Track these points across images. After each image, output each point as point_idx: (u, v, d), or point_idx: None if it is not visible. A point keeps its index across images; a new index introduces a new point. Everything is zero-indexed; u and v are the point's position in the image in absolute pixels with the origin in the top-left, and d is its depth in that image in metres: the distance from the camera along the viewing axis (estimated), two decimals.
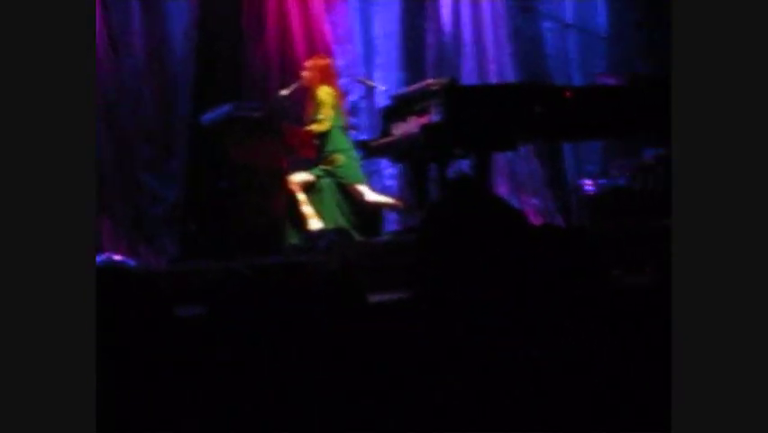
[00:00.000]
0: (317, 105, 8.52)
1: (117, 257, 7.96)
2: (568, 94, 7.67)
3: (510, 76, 10.05)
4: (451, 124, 7.20)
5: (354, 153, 8.62)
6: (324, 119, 8.46)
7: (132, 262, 8.05)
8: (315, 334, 4.32)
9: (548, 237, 2.67)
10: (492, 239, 2.37)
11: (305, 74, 8.74)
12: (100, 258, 7.83)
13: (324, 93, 8.52)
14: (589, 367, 2.48)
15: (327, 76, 8.70)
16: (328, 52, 9.44)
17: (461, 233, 2.38)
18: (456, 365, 2.46)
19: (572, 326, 2.53)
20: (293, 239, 8.33)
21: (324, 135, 8.52)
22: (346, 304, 4.43)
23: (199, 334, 5.12)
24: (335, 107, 8.56)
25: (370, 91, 9.58)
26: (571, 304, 2.58)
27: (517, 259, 2.41)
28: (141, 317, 2.62)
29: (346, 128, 8.77)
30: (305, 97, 8.86)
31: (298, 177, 8.49)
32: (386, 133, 8.13)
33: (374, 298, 5.93)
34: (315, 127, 8.49)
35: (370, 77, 9.68)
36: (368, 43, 10.04)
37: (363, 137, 9.02)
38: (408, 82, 9.69)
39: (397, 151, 8.14)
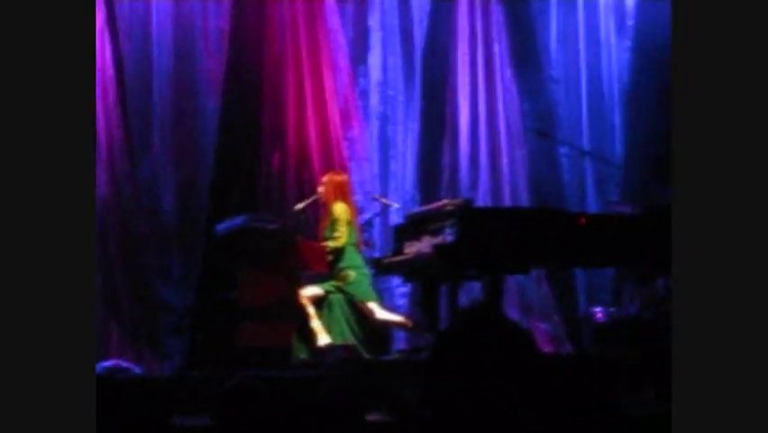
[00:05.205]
0: (333, 221, 8.54)
1: (125, 364, 7.90)
2: (582, 221, 7.66)
3: (524, 199, 10.08)
4: (465, 245, 7.19)
5: (366, 270, 8.62)
6: (340, 236, 8.48)
7: (138, 370, 7.99)
8: None
9: (557, 366, 2.67)
10: (502, 365, 2.36)
11: (320, 189, 8.78)
12: (108, 363, 7.80)
13: (340, 209, 8.55)
14: None
15: (342, 192, 8.72)
16: (344, 168, 9.47)
17: (471, 359, 2.36)
18: None
19: None
20: (301, 353, 8.30)
21: (336, 251, 8.53)
22: (344, 422, 4.44)
23: None
24: (350, 224, 8.58)
25: (384, 209, 9.60)
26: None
27: (527, 385, 2.39)
28: (138, 427, 2.59)
29: (359, 245, 8.77)
30: (319, 211, 8.88)
31: (309, 291, 8.48)
32: (398, 251, 8.08)
33: (373, 417, 5.94)
34: (331, 244, 8.52)
35: (384, 194, 9.70)
36: (384, 161, 10.09)
37: (376, 254, 9.01)
38: (422, 201, 9.72)
39: (409, 269, 8.10)
